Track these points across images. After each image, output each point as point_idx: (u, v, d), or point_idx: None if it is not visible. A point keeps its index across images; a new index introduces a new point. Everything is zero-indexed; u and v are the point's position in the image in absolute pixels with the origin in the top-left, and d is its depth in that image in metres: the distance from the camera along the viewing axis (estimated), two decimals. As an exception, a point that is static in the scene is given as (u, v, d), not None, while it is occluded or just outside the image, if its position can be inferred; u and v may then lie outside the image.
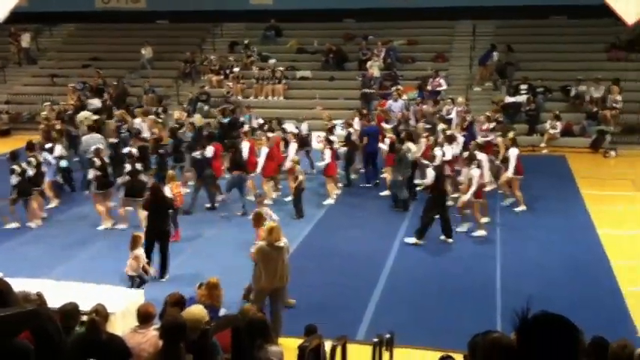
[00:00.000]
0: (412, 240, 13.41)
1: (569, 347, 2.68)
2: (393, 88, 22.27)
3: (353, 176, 17.80)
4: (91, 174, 14.69)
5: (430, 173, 13.62)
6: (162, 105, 22.66)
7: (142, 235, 11.57)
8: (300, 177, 14.99)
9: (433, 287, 11.46)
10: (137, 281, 11.09)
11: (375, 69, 24.28)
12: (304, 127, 18.51)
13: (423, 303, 10.85)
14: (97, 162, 14.67)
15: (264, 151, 15.95)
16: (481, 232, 13.82)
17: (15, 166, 14.54)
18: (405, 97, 21.53)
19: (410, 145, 15.57)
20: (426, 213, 13.40)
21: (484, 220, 14.15)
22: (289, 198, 15.74)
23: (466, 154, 14.63)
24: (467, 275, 11.92)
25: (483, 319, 9.44)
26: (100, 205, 14.65)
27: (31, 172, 14.75)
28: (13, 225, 14.73)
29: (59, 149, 16.61)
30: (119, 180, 14.69)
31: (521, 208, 15.27)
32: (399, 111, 20.05)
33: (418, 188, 14.77)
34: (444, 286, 11.48)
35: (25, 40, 28.87)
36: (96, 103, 23.44)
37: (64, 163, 16.70)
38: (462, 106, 19.87)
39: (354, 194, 16.95)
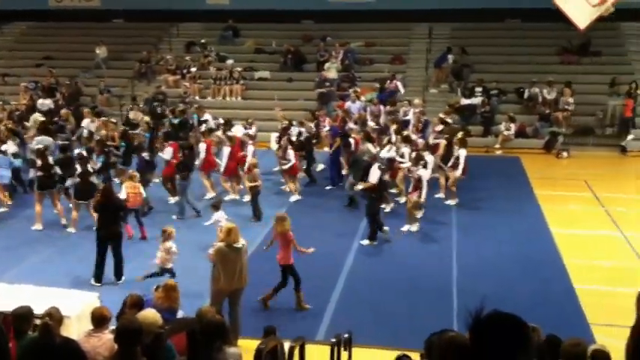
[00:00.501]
0: (367, 242, 13.54)
1: (521, 345, 2.73)
2: (351, 90, 22.37)
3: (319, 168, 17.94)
4: (32, 173, 14.41)
5: (374, 173, 13.65)
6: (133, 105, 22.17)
7: (173, 229, 11.38)
8: (259, 181, 14.95)
9: (391, 287, 11.53)
10: (164, 274, 10.93)
11: (332, 70, 24.35)
12: (253, 129, 18.45)
13: (381, 303, 10.92)
14: (38, 162, 14.40)
15: (226, 151, 15.92)
16: (415, 227, 14.13)
17: None
18: (363, 98, 21.65)
19: (369, 146, 15.67)
20: (372, 216, 13.58)
21: (419, 214, 14.44)
22: (248, 198, 15.77)
23: (414, 154, 14.85)
24: (424, 275, 12.04)
25: (440, 319, 9.52)
26: (39, 205, 14.44)
27: None
28: None
29: (12, 147, 16.25)
30: (69, 182, 14.40)
31: (453, 202, 15.66)
32: (358, 112, 20.14)
33: (359, 187, 14.91)
34: (401, 286, 11.57)
35: (-25, 38, 28.17)
36: (48, 103, 22.90)
37: (17, 163, 16.31)
38: (419, 107, 20.07)
39: (314, 194, 16.96)
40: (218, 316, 7.05)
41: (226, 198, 15.86)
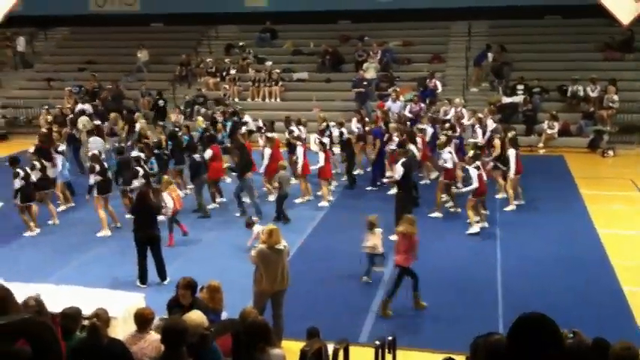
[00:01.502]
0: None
1: (552, 343, 2.70)
2: (391, 89, 22.30)
3: (356, 172, 17.90)
4: (92, 179, 14.59)
5: (398, 169, 13.56)
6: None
7: (375, 217, 11.62)
8: (281, 183, 14.92)
9: (435, 287, 11.36)
10: (380, 258, 11.52)
11: (371, 70, 24.28)
12: (302, 131, 18.49)
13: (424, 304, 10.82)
14: (97, 167, 14.61)
15: (267, 152, 16.02)
16: (475, 229, 13.88)
17: (19, 170, 14.42)
18: (402, 97, 21.56)
19: (412, 147, 15.58)
20: (401, 211, 13.26)
21: (476, 218, 14.12)
22: (299, 200, 16.04)
23: (471, 153, 14.63)
24: (468, 275, 11.89)
25: (485, 320, 9.44)
26: (102, 209, 14.52)
27: (34, 176, 14.75)
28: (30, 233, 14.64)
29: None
30: (136, 182, 14.58)
31: (511, 207, 15.32)
32: (398, 112, 20.06)
33: (385, 180, 14.73)
34: (445, 286, 11.43)
35: (21, 43, 28.75)
36: (88, 108, 23.00)
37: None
38: (460, 107, 19.88)
39: (355, 196, 16.89)
40: (261, 317, 7.08)
41: (269, 198, 15.97)
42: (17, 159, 15.06)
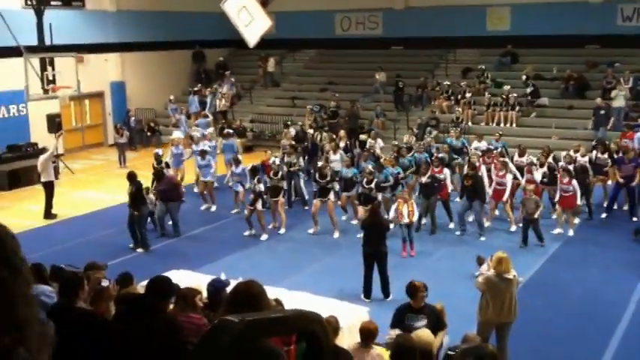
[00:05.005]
0: None
1: None
2: (642, 119, 20.52)
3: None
4: (337, 186, 15.76)
5: None
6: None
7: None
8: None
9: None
10: None
11: (620, 98, 22.52)
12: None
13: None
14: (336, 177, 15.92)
15: (510, 177, 15.74)
16: None
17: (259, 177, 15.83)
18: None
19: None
20: None
21: None
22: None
23: None
24: None
25: None
26: (334, 212, 15.65)
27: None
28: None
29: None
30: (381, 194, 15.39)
31: None
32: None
33: None
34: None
35: (271, 64, 31.08)
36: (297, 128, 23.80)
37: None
38: None
39: (595, 227, 15.89)
40: (491, 346, 6.81)
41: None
42: (257, 168, 16.51)
